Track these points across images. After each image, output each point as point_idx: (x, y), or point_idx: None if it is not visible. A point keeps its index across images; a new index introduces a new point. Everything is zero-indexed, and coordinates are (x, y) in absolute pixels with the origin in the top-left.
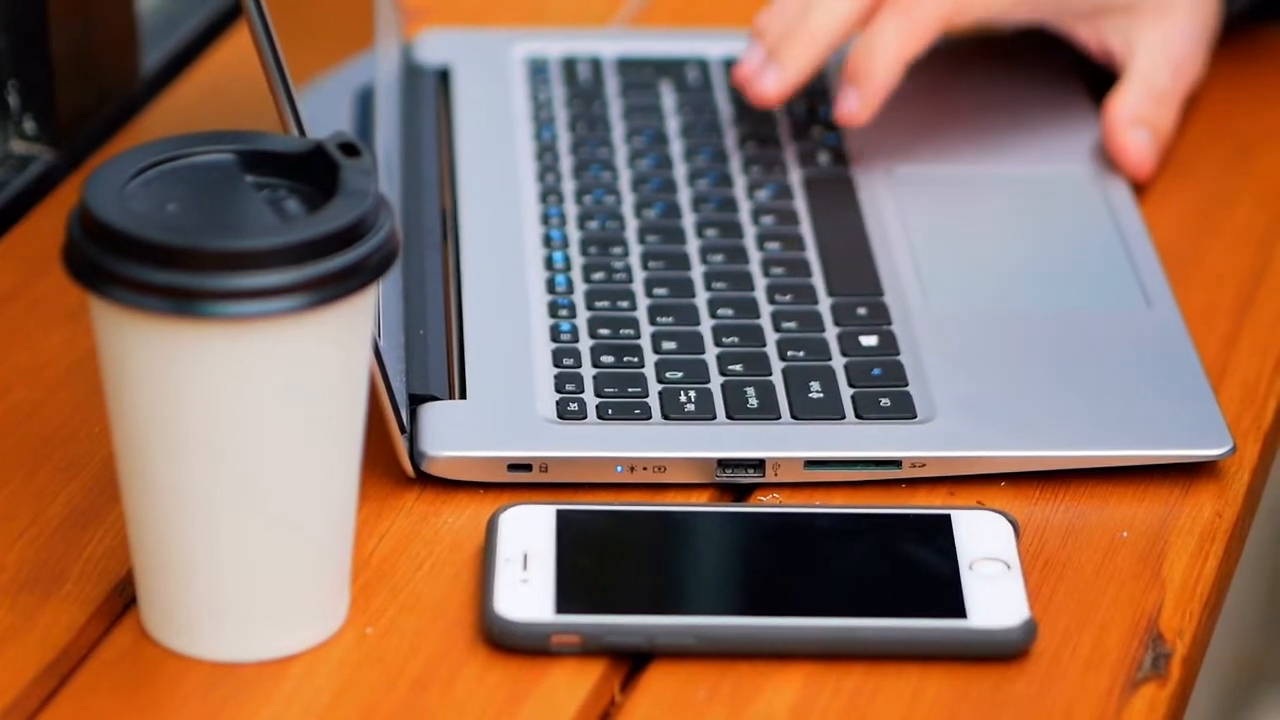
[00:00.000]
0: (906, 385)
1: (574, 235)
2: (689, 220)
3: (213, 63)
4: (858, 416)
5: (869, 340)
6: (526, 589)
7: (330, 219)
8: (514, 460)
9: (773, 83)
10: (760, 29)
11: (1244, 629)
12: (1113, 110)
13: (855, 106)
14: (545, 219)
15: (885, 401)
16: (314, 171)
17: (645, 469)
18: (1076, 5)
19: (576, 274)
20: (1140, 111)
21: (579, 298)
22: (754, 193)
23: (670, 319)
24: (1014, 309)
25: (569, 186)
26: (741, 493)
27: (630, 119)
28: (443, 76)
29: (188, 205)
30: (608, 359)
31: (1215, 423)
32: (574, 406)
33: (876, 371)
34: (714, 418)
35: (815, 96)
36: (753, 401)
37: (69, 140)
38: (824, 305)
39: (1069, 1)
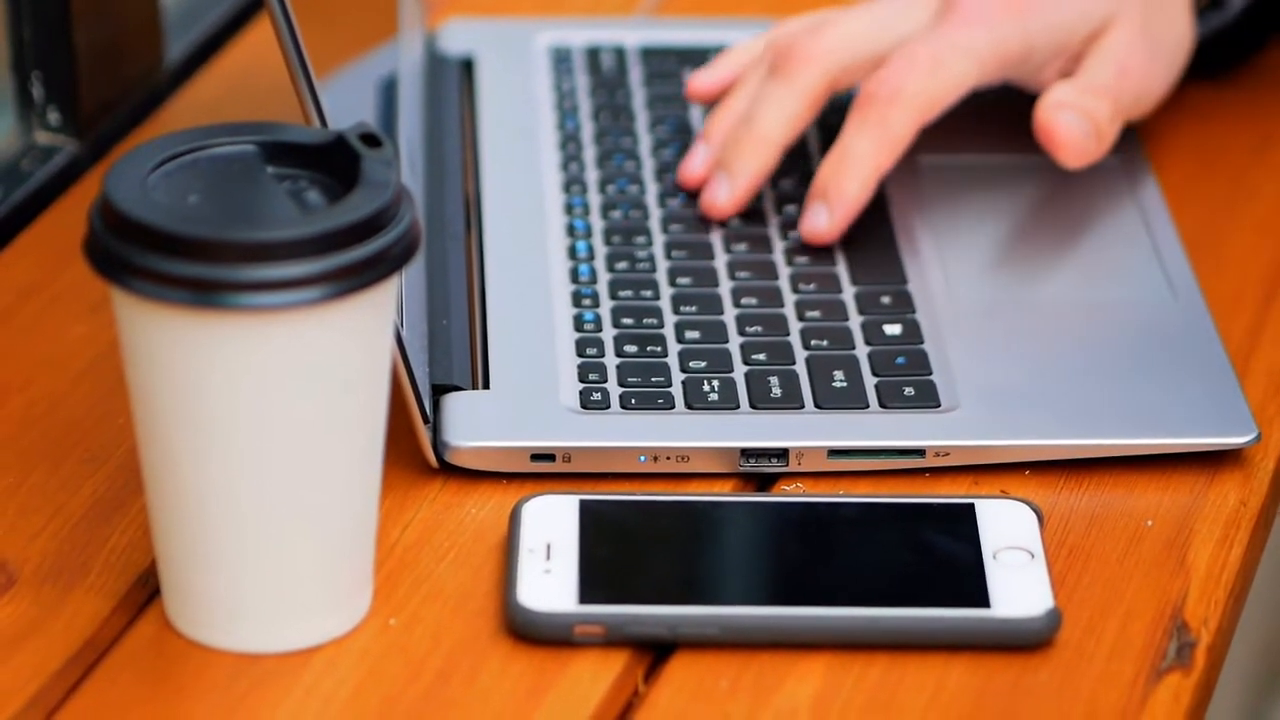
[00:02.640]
0: (930, 374)
1: (597, 225)
2: None
3: (236, 54)
4: (881, 405)
5: (893, 329)
6: (549, 579)
7: (351, 210)
8: (537, 450)
9: (725, 196)
10: (707, 131)
11: (1269, 617)
12: (1041, 99)
13: (824, 225)
14: (569, 208)
15: (909, 390)
16: (335, 162)
17: (668, 459)
18: (1040, 56)
19: (600, 263)
20: (1069, 98)
21: (602, 287)
22: (777, 181)
23: (693, 308)
24: (1038, 298)
25: (592, 176)
26: (765, 482)
27: (654, 108)
28: (466, 66)
29: (209, 197)
30: (631, 348)
31: (1240, 411)
32: (597, 396)
33: (900, 360)
34: (737, 407)
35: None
36: (776, 391)
37: (92, 132)
38: (848, 294)
39: (1033, 54)
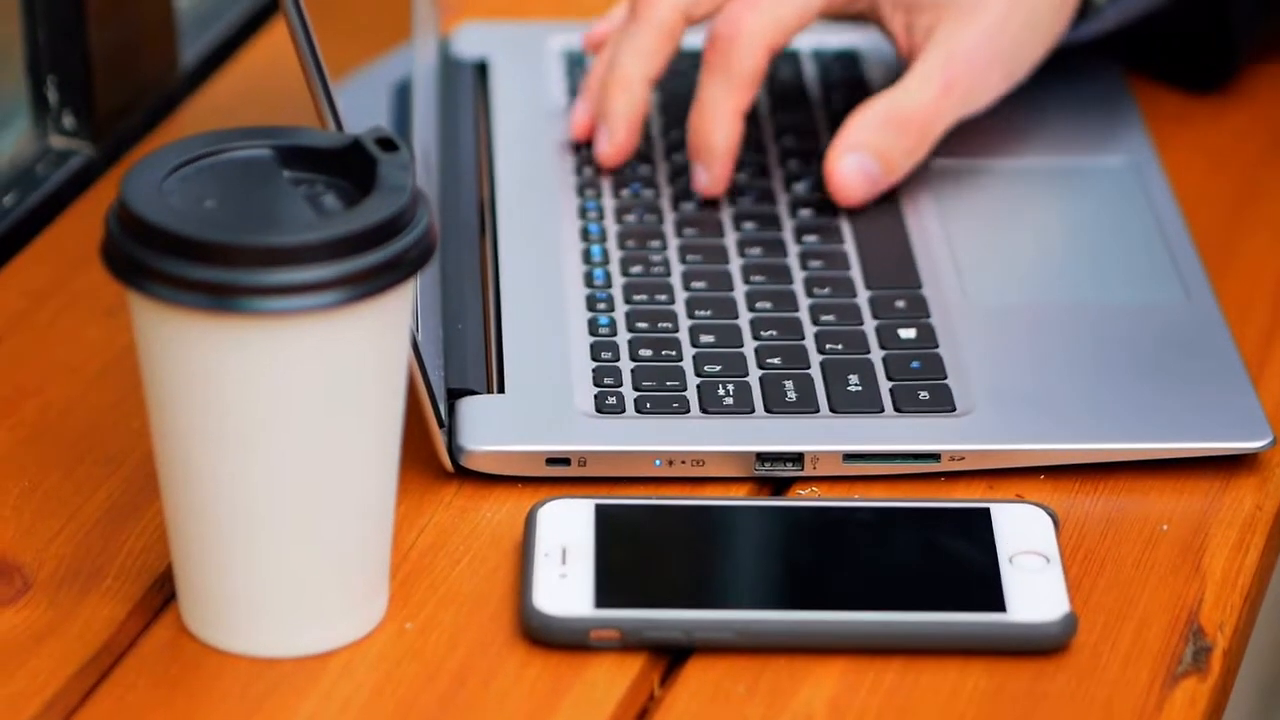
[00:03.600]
0: (945, 378)
1: (612, 228)
2: (727, 213)
3: (251, 57)
4: (896, 409)
5: (907, 333)
6: (565, 583)
7: (368, 214)
8: (552, 454)
9: (605, 144)
10: (587, 85)
11: None
12: (842, 129)
13: (706, 181)
14: (583, 212)
15: (924, 394)
16: (351, 166)
17: (684, 463)
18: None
19: (614, 267)
20: (863, 137)
21: (617, 291)
22: (792, 185)
23: (708, 312)
24: (1052, 301)
25: (606, 180)
26: (780, 486)
27: (668, 111)
28: (480, 69)
29: (225, 201)
30: (646, 352)
31: (1255, 415)
32: (612, 400)
33: (915, 364)
34: (752, 411)
35: (853, 88)
36: (791, 395)
37: (107, 135)
38: (862, 298)
39: None
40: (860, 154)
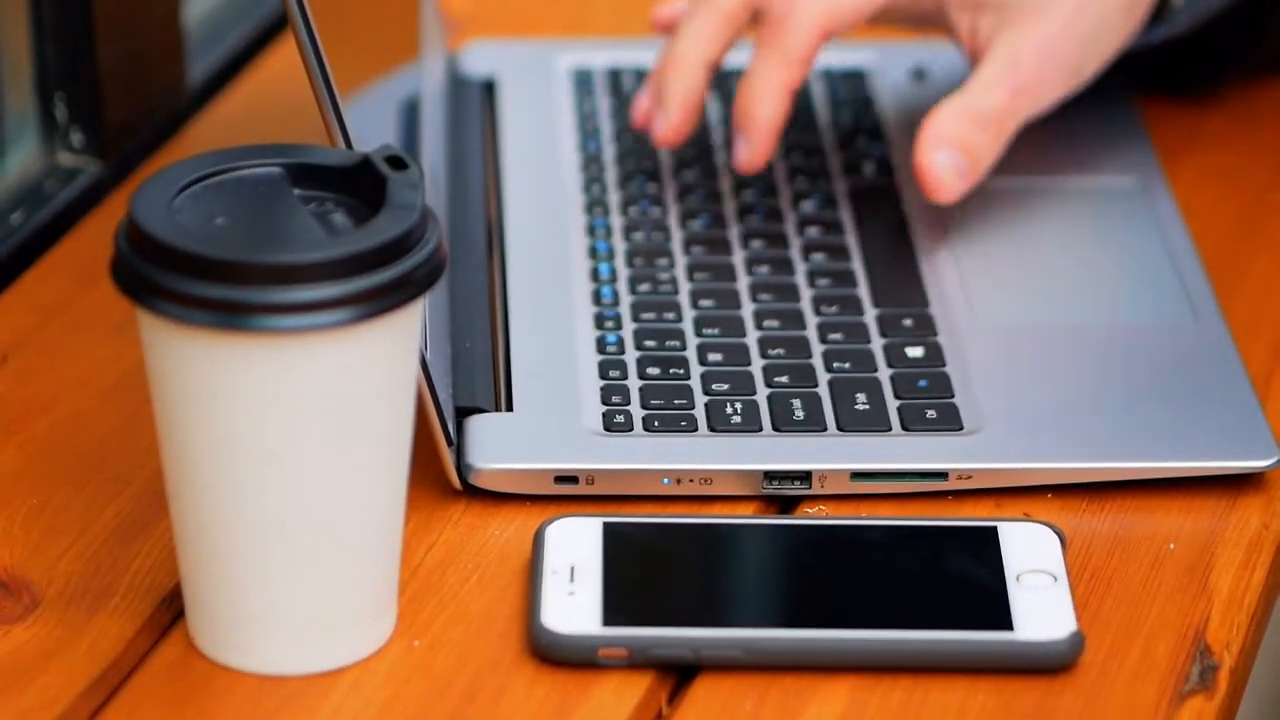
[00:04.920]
0: (953, 397)
1: (619, 247)
2: (734, 231)
3: (259, 74)
4: (904, 428)
5: (915, 351)
6: (573, 602)
7: (377, 233)
8: (560, 472)
9: (661, 126)
10: (652, 67)
11: None
12: (925, 127)
13: (745, 154)
14: (591, 230)
15: (931, 413)
16: (361, 185)
17: (691, 481)
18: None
19: (622, 285)
20: (948, 131)
21: (625, 309)
22: (799, 203)
23: (716, 330)
24: (1060, 320)
25: (614, 198)
26: (787, 505)
27: None
28: (488, 88)
29: (235, 219)
30: (654, 371)
31: (1262, 434)
32: (620, 419)
33: (923, 383)
34: (760, 429)
35: (860, 106)
36: (799, 413)
37: (116, 152)
38: (870, 316)
39: None
40: (949, 149)
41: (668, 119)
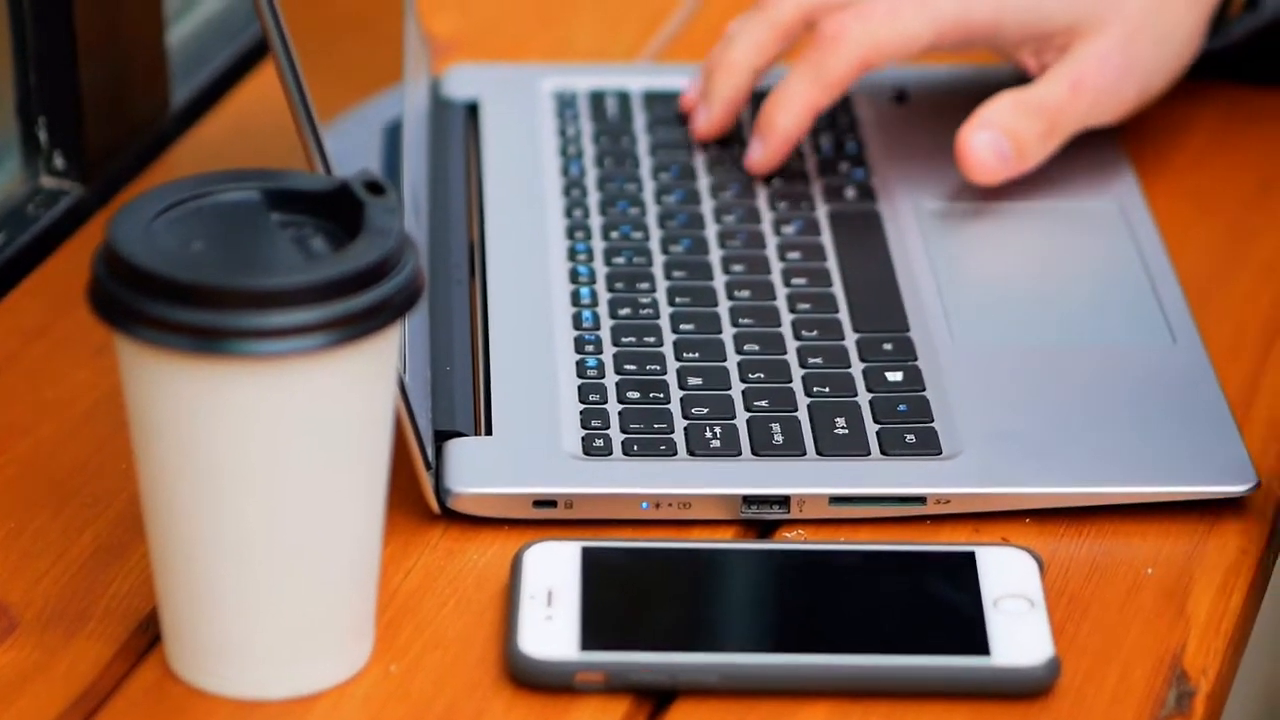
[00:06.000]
0: (932, 421)
1: (601, 270)
2: (715, 256)
3: (241, 98)
4: (883, 452)
5: (894, 376)
6: (551, 626)
7: (355, 257)
8: (539, 497)
9: (702, 120)
10: (705, 63)
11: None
12: (977, 110)
13: (758, 156)
14: (572, 254)
15: (910, 438)
16: (339, 209)
17: (670, 505)
18: (1010, 35)
19: (603, 309)
20: (996, 116)
21: (605, 333)
22: (780, 228)
23: (696, 355)
24: (1039, 344)
25: (596, 221)
26: (766, 529)
27: (657, 154)
28: (471, 111)
29: (213, 244)
30: (633, 395)
31: (1240, 459)
32: (599, 443)
33: (902, 407)
34: (739, 454)
35: (842, 132)
36: (778, 437)
37: (98, 176)
38: (850, 341)
39: (1002, 30)
40: (993, 132)
41: (709, 116)
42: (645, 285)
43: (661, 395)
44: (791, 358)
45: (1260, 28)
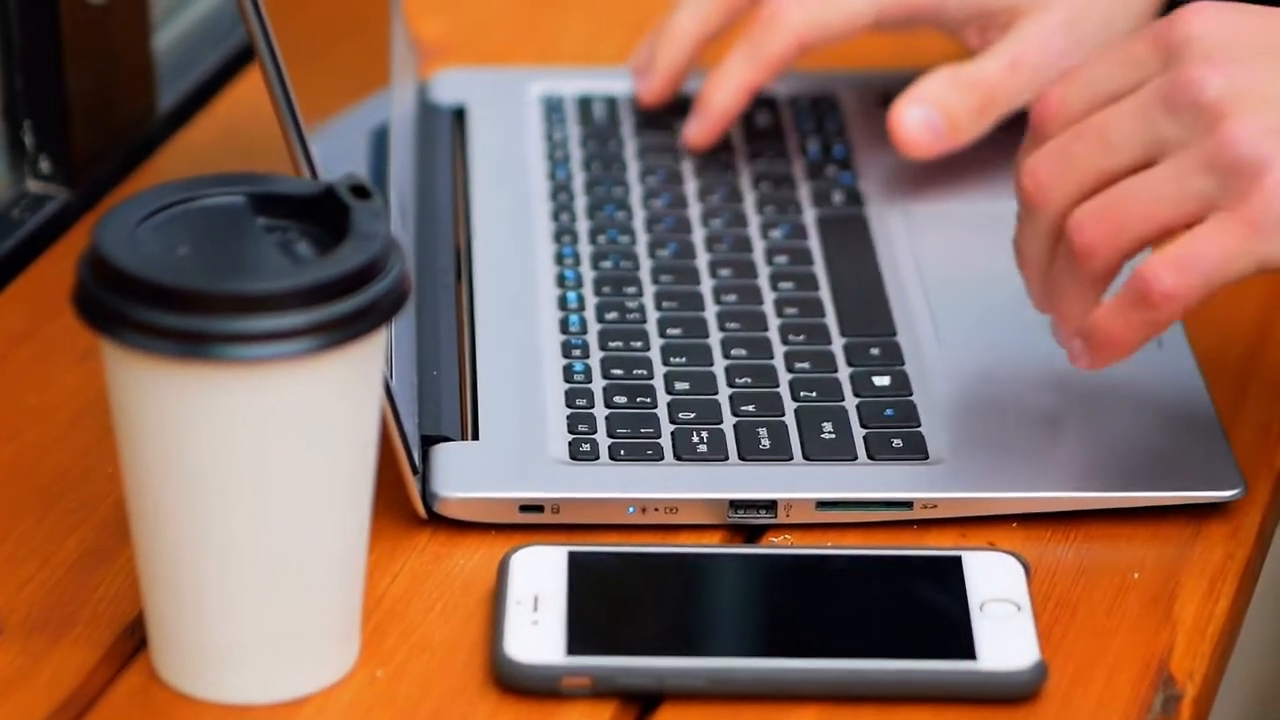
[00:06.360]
0: (919, 426)
1: (588, 275)
2: (703, 260)
3: (228, 102)
4: (870, 457)
5: (881, 380)
6: (537, 631)
7: (341, 262)
8: (526, 501)
9: (643, 87)
10: (650, 32)
11: (1259, 670)
12: (911, 86)
13: (693, 130)
14: (559, 258)
15: (897, 442)
16: (325, 214)
17: (657, 510)
18: (954, 11)
19: (590, 314)
20: (930, 91)
21: (592, 338)
22: (768, 232)
23: (683, 359)
24: (1026, 350)
25: (583, 226)
26: (753, 534)
27: (645, 158)
28: (458, 115)
29: (198, 248)
30: (620, 399)
31: (1227, 464)
32: (586, 447)
33: (889, 412)
34: (726, 458)
35: (830, 135)
36: (765, 442)
37: (84, 180)
38: (837, 345)
39: (945, 9)
40: (926, 106)
41: (650, 85)
42: (632, 289)
43: (648, 399)
44: (778, 362)
45: None
